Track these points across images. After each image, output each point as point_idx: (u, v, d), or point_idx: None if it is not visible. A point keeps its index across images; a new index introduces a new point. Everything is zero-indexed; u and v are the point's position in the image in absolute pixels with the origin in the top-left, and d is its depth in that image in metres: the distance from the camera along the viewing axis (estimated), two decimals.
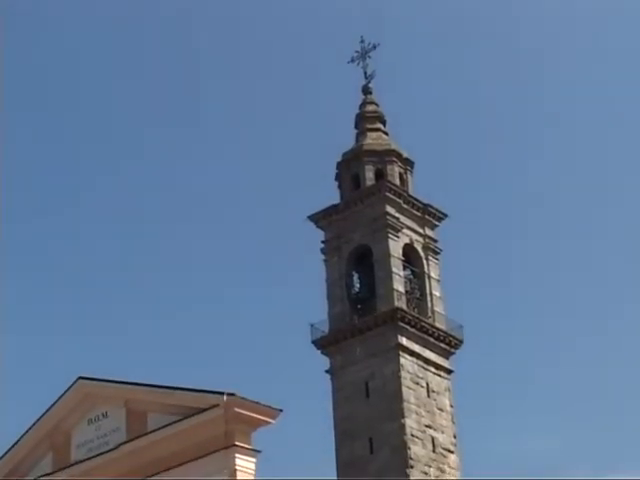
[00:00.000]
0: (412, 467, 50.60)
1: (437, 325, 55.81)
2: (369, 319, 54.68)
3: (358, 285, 58.13)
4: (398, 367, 52.65)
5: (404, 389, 52.23)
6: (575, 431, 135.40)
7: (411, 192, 59.23)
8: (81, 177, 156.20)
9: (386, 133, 62.08)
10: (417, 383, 53.29)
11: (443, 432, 53.63)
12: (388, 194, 57.04)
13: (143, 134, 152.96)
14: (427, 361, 54.53)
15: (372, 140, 61.02)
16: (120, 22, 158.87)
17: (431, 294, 57.15)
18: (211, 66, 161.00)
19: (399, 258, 56.17)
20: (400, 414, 51.63)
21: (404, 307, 54.41)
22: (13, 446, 39.80)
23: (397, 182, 58.70)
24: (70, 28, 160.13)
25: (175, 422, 35.49)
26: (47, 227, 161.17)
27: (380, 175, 58.87)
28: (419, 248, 58.01)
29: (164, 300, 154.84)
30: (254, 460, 34.29)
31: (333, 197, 59.86)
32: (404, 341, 53.48)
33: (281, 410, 35.03)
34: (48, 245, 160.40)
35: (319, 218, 58.81)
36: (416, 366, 53.68)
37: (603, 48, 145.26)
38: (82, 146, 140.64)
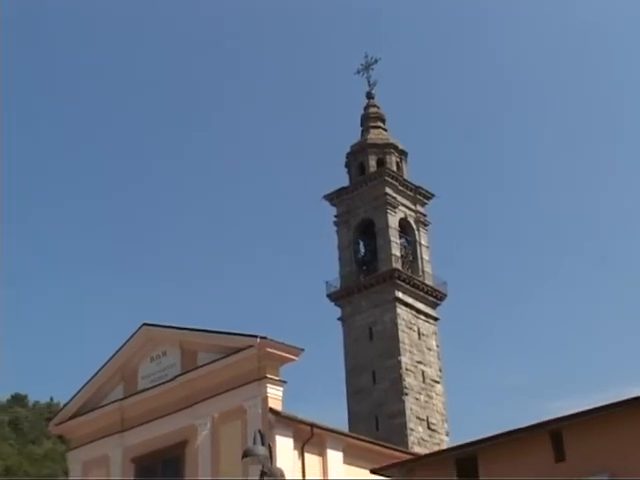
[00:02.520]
0: (406, 394, 51.07)
1: (426, 282, 56.02)
2: (372, 277, 54.98)
3: (363, 250, 58.31)
4: (395, 315, 53.00)
5: (400, 333, 52.60)
6: (531, 368, 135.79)
7: (405, 176, 59.34)
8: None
9: (385, 130, 62.12)
10: (410, 328, 53.62)
11: (431, 367, 53.94)
12: (387, 178, 57.28)
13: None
14: (418, 311, 54.80)
15: (374, 135, 61.08)
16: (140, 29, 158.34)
17: (421, 258, 57.35)
18: (249, 75, 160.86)
19: (396, 229, 56.38)
20: (397, 352, 52.05)
21: (400, 268, 54.67)
22: (93, 377, 40.37)
23: (394, 169, 58.84)
24: (70, 27, 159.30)
25: (219, 359, 35.94)
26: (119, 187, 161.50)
27: (381, 163, 59.09)
28: (412, 221, 58.17)
29: (213, 263, 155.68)
30: (281, 389, 34.71)
31: (343, 181, 60.24)
32: (400, 295, 53.80)
33: (303, 349, 35.51)
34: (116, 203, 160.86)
35: (332, 197, 59.05)
36: (409, 315, 53.98)
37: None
38: None
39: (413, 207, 58.63)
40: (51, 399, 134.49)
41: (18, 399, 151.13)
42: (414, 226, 58.13)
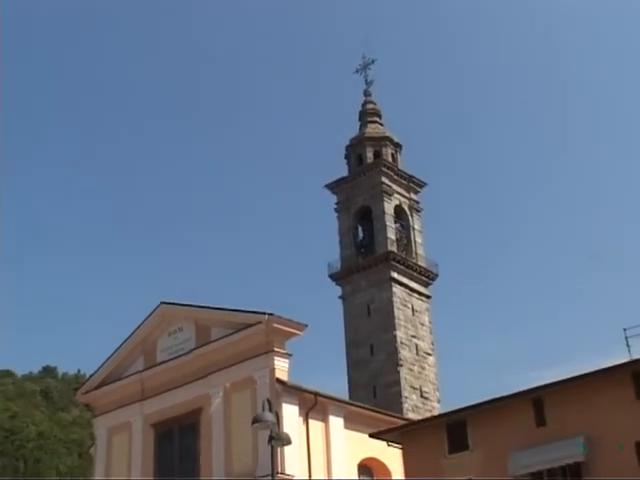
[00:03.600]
0: (401, 366, 51.10)
1: (419, 263, 55.89)
2: (370, 259, 54.86)
3: (362, 235, 58.11)
4: (391, 294, 52.92)
5: (395, 309, 52.51)
6: (514, 340, 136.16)
7: (400, 167, 59.09)
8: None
9: (381, 124, 61.78)
10: (405, 305, 53.57)
11: (424, 340, 53.88)
12: (383, 168, 57.08)
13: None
14: (412, 289, 54.69)
15: (371, 129, 60.80)
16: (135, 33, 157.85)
17: (415, 241, 57.20)
18: (259, 76, 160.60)
19: (391, 215, 56.23)
20: (392, 327, 51.98)
21: (395, 250, 54.55)
22: (116, 350, 40.59)
23: (390, 160, 58.61)
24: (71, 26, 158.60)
25: (230, 334, 36.09)
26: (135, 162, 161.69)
27: (377, 155, 58.85)
28: (406, 208, 58.00)
29: (226, 247, 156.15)
30: (287, 361, 34.85)
31: (343, 171, 59.95)
32: (395, 275, 53.71)
33: (307, 325, 35.64)
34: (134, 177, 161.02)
35: (333, 186, 58.86)
36: (404, 293, 53.91)
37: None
38: None
39: (407, 195, 58.46)
40: (78, 371, 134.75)
41: (48, 371, 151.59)
42: (408, 212, 57.96)
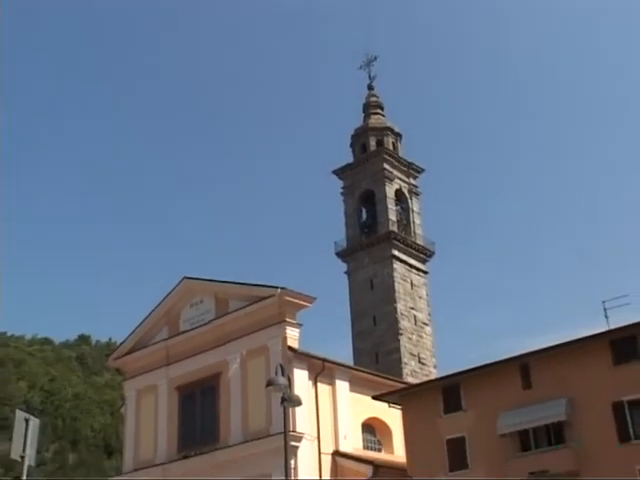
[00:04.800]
0: (401, 334, 51.09)
1: (417, 242, 55.65)
2: (373, 238, 54.60)
3: (365, 216, 57.76)
4: (392, 269, 52.79)
5: (396, 284, 52.39)
6: (503, 312, 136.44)
7: (400, 154, 58.68)
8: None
9: (384, 115, 61.23)
10: (404, 280, 53.44)
11: (421, 312, 53.76)
12: (385, 156, 56.73)
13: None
14: (411, 266, 54.51)
15: (374, 120, 60.34)
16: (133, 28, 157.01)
17: (413, 222, 56.93)
18: (271, 73, 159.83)
19: (392, 198, 55.94)
20: (393, 300, 51.89)
21: (396, 230, 54.33)
22: (143, 321, 40.64)
23: (391, 148, 58.21)
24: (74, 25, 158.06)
25: (247, 306, 36.05)
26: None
27: (380, 143, 58.40)
28: (405, 191, 57.70)
29: (245, 230, 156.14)
30: (298, 331, 34.84)
31: (348, 158, 59.59)
32: (396, 252, 53.52)
33: (315, 298, 35.53)
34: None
35: (339, 172, 58.50)
36: (403, 269, 53.75)
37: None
38: None
39: (407, 180, 58.13)
40: (110, 339, 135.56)
41: (83, 339, 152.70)
42: (407, 195, 57.65)
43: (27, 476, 13.67)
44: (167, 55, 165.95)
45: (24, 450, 13.83)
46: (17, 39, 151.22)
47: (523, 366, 29.20)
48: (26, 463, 13.78)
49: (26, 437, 13.93)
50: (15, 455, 13.88)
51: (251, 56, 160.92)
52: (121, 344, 42.57)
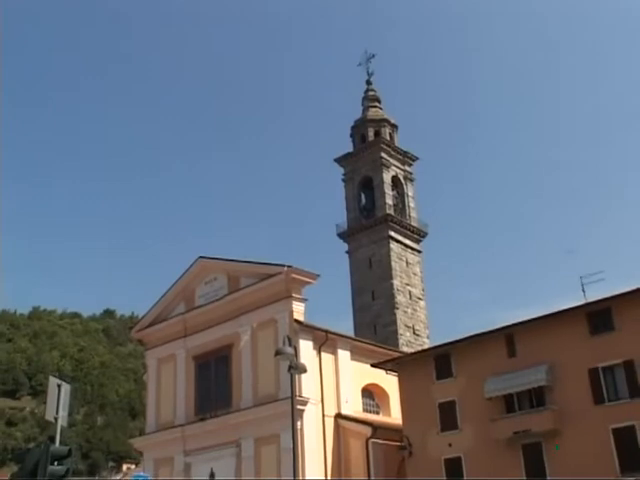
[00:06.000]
0: (397, 308, 51.23)
1: (412, 224, 55.65)
2: (371, 220, 54.57)
3: (364, 200, 57.62)
4: (389, 249, 52.84)
5: (392, 262, 52.47)
6: (491, 286, 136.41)
7: (397, 144, 58.48)
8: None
9: (381, 108, 60.91)
10: (400, 259, 53.49)
11: (416, 288, 53.85)
12: (382, 145, 56.57)
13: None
14: (406, 245, 54.54)
15: (372, 113, 60.06)
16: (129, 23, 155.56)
17: (408, 206, 56.86)
18: (276, 70, 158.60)
19: (389, 184, 55.81)
20: (390, 277, 51.99)
21: (392, 213, 54.28)
22: (162, 296, 40.68)
23: (388, 138, 58.02)
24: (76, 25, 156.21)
25: (256, 282, 36.04)
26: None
27: (377, 134, 58.21)
28: (401, 178, 57.56)
29: (254, 214, 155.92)
30: (303, 305, 34.84)
31: (349, 147, 59.46)
32: (392, 233, 53.53)
33: (319, 275, 35.48)
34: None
35: (341, 160, 58.32)
36: (399, 248, 53.77)
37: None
38: None
39: (402, 167, 57.98)
40: (133, 313, 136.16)
41: (109, 313, 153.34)
42: (403, 181, 57.54)
43: (60, 435, 13.86)
44: (179, 50, 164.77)
45: (57, 412, 14.01)
46: (17, 40, 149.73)
47: (508, 336, 29.32)
48: (59, 424, 13.96)
49: (59, 401, 14.11)
50: (49, 417, 14.08)
51: (259, 56, 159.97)
52: (143, 317, 42.61)
